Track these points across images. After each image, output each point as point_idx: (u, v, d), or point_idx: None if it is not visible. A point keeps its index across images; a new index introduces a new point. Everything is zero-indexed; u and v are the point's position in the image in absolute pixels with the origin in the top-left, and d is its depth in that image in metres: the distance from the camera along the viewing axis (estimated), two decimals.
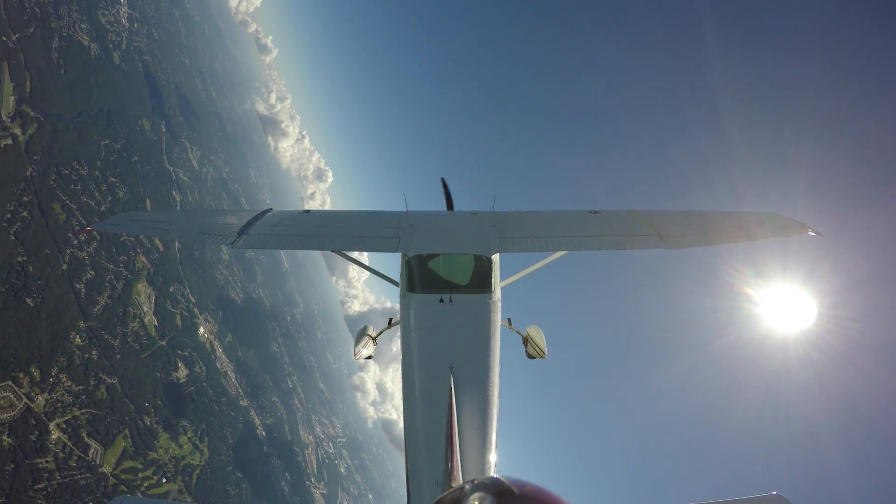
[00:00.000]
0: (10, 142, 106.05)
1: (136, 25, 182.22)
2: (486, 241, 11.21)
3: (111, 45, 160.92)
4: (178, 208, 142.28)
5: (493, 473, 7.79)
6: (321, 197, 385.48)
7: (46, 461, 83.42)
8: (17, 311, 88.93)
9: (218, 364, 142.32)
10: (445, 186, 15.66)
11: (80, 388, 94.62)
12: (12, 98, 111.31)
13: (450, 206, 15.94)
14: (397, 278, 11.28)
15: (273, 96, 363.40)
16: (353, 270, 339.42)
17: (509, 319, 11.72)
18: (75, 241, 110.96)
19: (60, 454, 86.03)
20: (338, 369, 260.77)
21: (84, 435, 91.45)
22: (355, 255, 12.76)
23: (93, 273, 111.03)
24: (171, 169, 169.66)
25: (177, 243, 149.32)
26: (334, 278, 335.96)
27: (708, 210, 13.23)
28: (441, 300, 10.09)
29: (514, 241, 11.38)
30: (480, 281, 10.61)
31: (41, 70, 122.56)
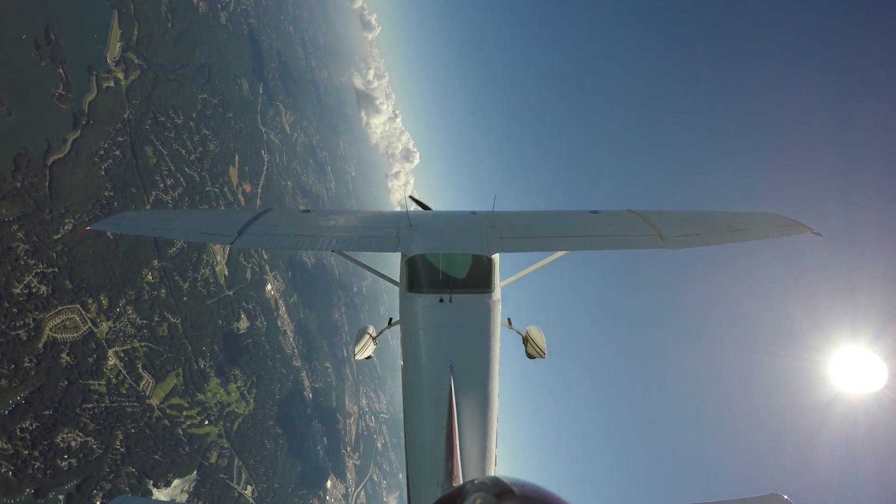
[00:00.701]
0: (112, 84, 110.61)
1: None
2: (485, 241, 11.21)
3: (219, 6, 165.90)
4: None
5: (493, 473, 8.05)
6: (405, 176, 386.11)
7: (99, 384, 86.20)
8: (97, 241, 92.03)
9: (279, 322, 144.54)
10: (417, 201, 15.86)
11: (144, 322, 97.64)
12: (119, 44, 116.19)
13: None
14: (397, 278, 11.35)
15: (371, 73, 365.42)
16: None
17: (509, 319, 11.78)
18: (161, 185, 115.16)
19: (113, 380, 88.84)
20: (394, 347, 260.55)
21: (139, 366, 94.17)
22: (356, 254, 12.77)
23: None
24: (264, 129, 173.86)
25: (258, 200, 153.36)
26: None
27: (708, 210, 13.32)
28: (441, 300, 10.09)
29: (514, 241, 11.36)
30: (480, 281, 10.62)
31: (149, 21, 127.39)
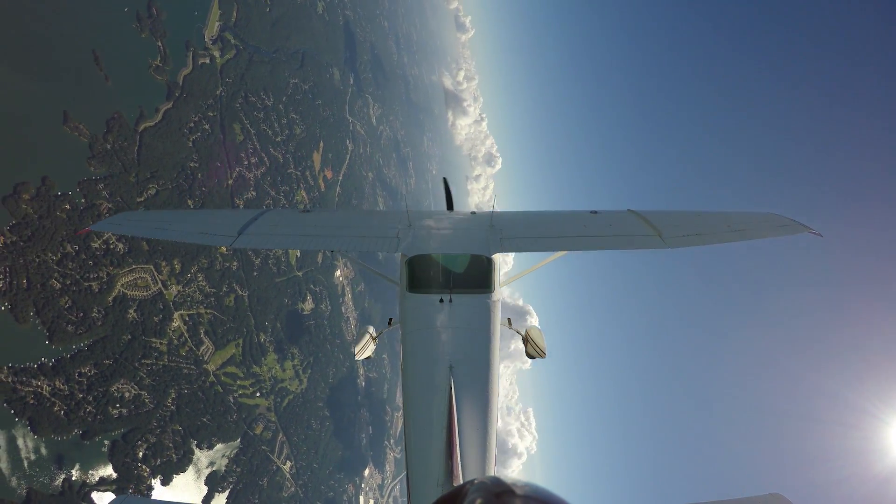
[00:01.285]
0: (207, 61, 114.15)
1: None
2: (485, 241, 11.18)
3: None
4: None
5: (493, 473, 8.16)
6: (486, 181, 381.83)
7: (160, 342, 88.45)
8: (178, 208, 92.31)
9: (343, 308, 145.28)
10: (447, 186, 15.78)
11: (213, 290, 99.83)
12: (217, 24, 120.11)
13: (450, 205, 16.21)
14: (397, 278, 11.28)
15: (461, 74, 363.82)
16: (497, 260, 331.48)
17: (509, 319, 12.04)
18: (246, 162, 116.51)
19: (175, 341, 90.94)
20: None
21: (201, 332, 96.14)
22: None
23: (254, 194, 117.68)
24: (350, 119, 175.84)
25: (338, 188, 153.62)
26: None
27: (707, 210, 13.31)
28: (441, 300, 10.09)
29: (514, 241, 11.31)
30: (480, 281, 10.61)
31: (248, 4, 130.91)
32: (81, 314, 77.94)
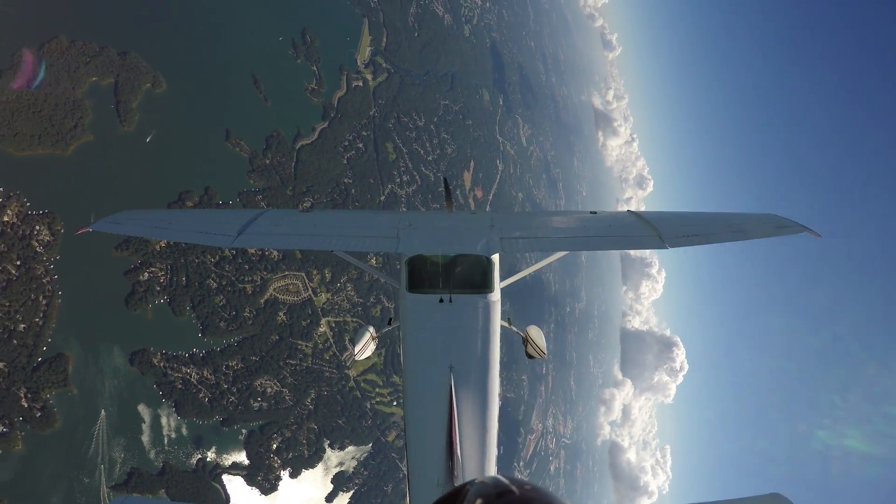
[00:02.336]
0: (360, 84, 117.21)
1: (487, 4, 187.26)
2: (485, 241, 11.05)
3: (463, 19, 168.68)
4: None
5: (493, 473, 8.37)
6: (637, 204, 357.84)
7: (306, 345, 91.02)
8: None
9: None
10: (447, 186, 16.10)
11: (360, 300, 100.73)
12: (368, 49, 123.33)
13: (449, 204, 16.49)
14: (397, 278, 11.05)
15: (611, 93, 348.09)
16: (646, 286, 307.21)
17: (509, 319, 12.00)
18: (398, 180, 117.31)
19: (320, 345, 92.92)
20: (593, 375, 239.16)
21: (346, 339, 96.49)
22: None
23: (404, 210, 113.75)
24: (500, 139, 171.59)
25: (488, 207, 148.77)
26: (624, 288, 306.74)
27: (706, 211, 14.59)
28: (441, 300, 9.97)
29: (514, 242, 11.17)
30: (480, 281, 10.54)
31: (397, 30, 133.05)
32: (234, 312, 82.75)
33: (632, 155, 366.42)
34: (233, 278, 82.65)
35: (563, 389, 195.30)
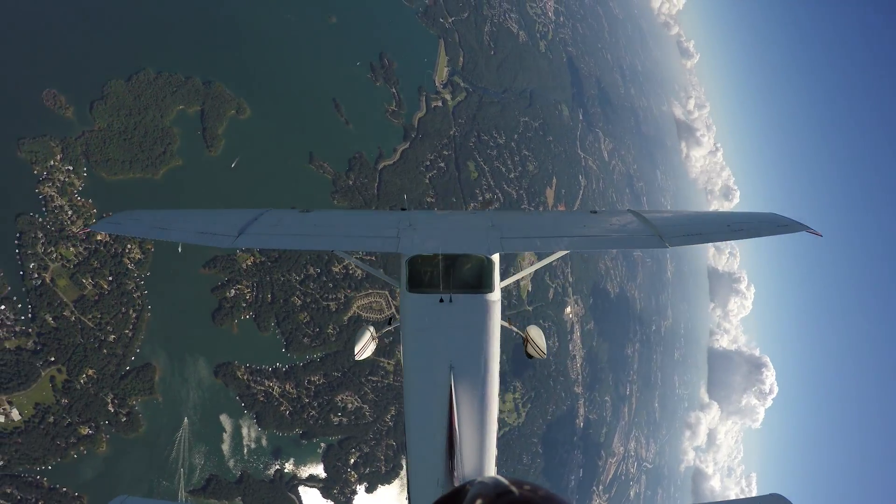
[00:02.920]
0: (440, 104, 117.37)
1: (561, 19, 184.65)
2: (486, 240, 10.95)
3: (538, 35, 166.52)
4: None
5: (493, 473, 8.36)
6: None
7: (388, 363, 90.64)
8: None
9: (570, 345, 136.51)
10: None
11: None
12: (446, 69, 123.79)
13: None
14: (397, 278, 10.98)
15: (692, 102, 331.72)
16: (734, 303, 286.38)
17: (509, 319, 11.87)
18: (480, 198, 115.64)
19: (401, 363, 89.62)
20: (679, 396, 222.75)
21: None
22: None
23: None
24: (582, 155, 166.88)
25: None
26: (712, 305, 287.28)
27: (706, 210, 9.30)
28: (441, 300, 9.85)
29: (514, 241, 11.18)
30: (480, 281, 10.46)
31: (473, 49, 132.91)
32: (317, 329, 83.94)
33: (716, 165, 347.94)
34: (317, 296, 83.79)
35: (647, 411, 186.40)
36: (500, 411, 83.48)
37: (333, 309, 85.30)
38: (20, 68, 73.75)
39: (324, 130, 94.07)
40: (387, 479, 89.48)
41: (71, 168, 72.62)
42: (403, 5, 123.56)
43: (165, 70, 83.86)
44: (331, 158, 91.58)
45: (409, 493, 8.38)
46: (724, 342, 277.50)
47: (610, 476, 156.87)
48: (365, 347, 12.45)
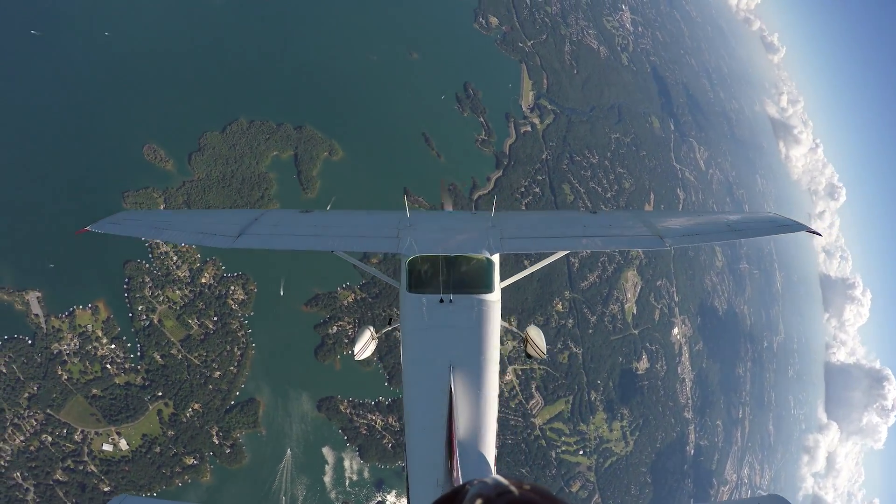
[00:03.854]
0: (529, 129, 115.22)
1: (640, 29, 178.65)
2: (486, 241, 10.85)
3: (619, 48, 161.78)
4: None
5: (493, 473, 8.07)
6: (830, 217, 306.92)
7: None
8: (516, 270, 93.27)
9: (679, 368, 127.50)
10: (444, 187, 35.23)
11: (548, 346, 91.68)
12: (531, 93, 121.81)
13: (448, 204, 18.94)
14: (397, 278, 11.04)
15: (784, 99, 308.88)
16: (850, 311, 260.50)
17: (509, 319, 8.77)
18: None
19: (506, 393, 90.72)
20: (795, 416, 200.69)
21: (533, 386, 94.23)
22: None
23: (589, 252, 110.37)
24: (678, 167, 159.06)
25: None
26: (827, 315, 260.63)
27: (705, 210, 9.28)
28: (441, 300, 9.85)
29: (514, 242, 11.05)
30: (480, 281, 10.38)
31: (556, 70, 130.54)
32: None
33: (818, 163, 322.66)
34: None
35: (761, 434, 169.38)
36: (607, 440, 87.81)
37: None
38: (121, 126, 79.45)
39: (416, 165, 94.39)
40: None
41: None
42: (482, 35, 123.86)
43: (257, 119, 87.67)
44: (425, 192, 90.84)
45: (408, 493, 8.15)
46: (841, 355, 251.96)
47: None
48: (365, 347, 12.18)
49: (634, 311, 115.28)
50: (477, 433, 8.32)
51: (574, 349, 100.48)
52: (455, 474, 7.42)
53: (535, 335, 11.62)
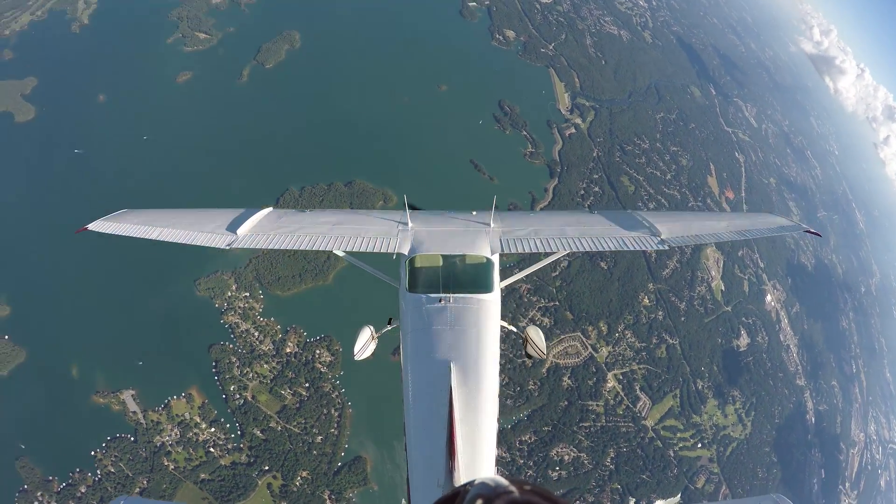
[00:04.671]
0: (573, 130, 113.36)
1: (653, 2, 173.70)
2: (485, 241, 10.97)
3: (639, 27, 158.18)
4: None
5: (493, 473, 8.11)
6: None
7: (597, 405, 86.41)
8: (593, 273, 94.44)
9: (781, 336, 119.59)
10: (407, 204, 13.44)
11: (642, 344, 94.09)
12: (566, 95, 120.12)
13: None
14: (397, 278, 11.04)
15: (816, 31, 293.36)
16: None
17: (509, 319, 8.84)
18: (643, 207, 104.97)
19: (611, 401, 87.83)
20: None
21: (637, 388, 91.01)
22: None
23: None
24: (729, 130, 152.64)
25: (744, 206, 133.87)
26: None
27: (704, 210, 9.18)
28: (441, 300, 9.82)
29: (513, 242, 11.06)
30: (480, 281, 10.44)
31: (583, 66, 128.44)
32: (518, 388, 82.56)
33: (868, 88, 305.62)
34: (510, 355, 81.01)
35: (879, 384, 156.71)
36: (723, 427, 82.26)
37: (530, 365, 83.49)
38: (202, 199, 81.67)
39: (471, 192, 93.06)
40: None
41: (248, 294, 79.07)
42: (503, 50, 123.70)
43: (307, 184, 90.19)
44: None
45: (409, 493, 8.19)
46: None
47: (855, 469, 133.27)
48: (365, 347, 11.86)
49: (722, 288, 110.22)
50: (477, 433, 8.23)
51: (670, 340, 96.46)
52: (455, 474, 7.38)
53: (535, 335, 11.51)
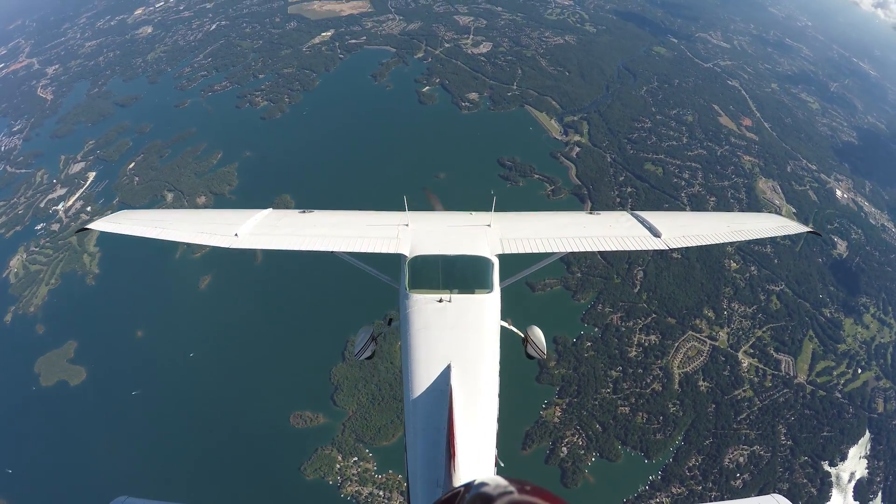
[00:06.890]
0: (577, 149, 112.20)
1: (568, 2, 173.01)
2: (485, 241, 11.00)
3: (578, 25, 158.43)
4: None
5: (493, 473, 7.98)
6: None
7: (743, 391, 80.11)
8: (671, 269, 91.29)
9: (871, 220, 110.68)
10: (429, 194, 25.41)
11: (753, 308, 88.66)
12: (552, 120, 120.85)
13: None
14: (397, 278, 10.91)
15: None
16: None
17: (509, 319, 11.34)
18: (681, 182, 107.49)
19: (754, 379, 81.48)
20: None
21: (771, 351, 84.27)
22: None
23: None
24: (710, 65, 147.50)
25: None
26: None
27: (705, 211, 8.33)
28: (441, 300, 9.76)
29: (513, 242, 11.10)
30: (480, 281, 10.37)
31: (552, 86, 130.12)
32: (661, 417, 77.05)
33: None
34: (635, 389, 78.51)
35: None
36: (871, 339, 78.10)
37: (659, 389, 78.74)
38: (264, 409, 79.13)
39: (520, 256, 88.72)
40: (824, 498, 74.61)
41: (355, 458, 74.24)
42: (475, 114, 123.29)
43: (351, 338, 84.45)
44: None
45: (409, 493, 8.04)
46: None
47: None
48: (365, 347, 11.84)
49: (794, 211, 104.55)
50: (477, 433, 8.09)
51: (776, 288, 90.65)
52: (455, 474, 7.23)
53: (535, 335, 11.42)
